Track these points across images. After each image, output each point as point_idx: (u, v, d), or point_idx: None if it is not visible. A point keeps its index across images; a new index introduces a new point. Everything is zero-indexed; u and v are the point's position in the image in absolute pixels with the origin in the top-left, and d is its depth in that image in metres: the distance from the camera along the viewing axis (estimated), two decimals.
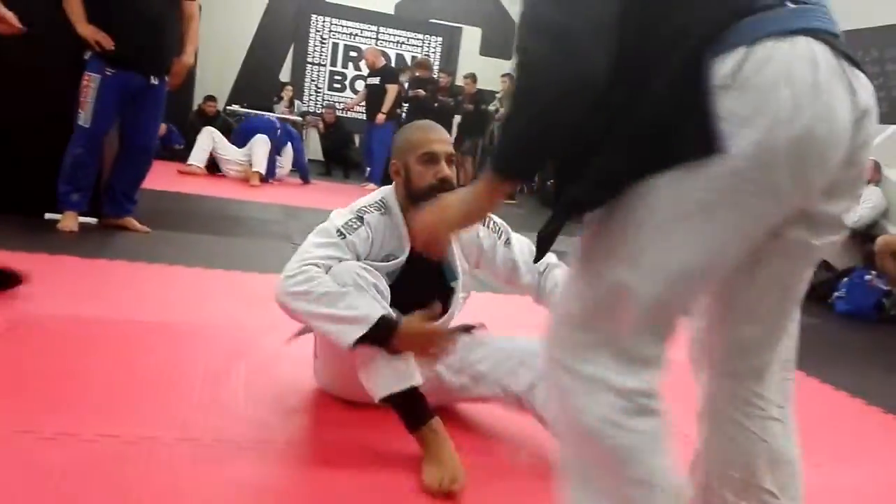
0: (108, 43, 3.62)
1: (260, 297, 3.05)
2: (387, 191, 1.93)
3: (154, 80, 3.83)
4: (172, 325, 2.52)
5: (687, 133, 0.93)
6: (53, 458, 1.52)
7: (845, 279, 4.71)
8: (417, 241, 1.23)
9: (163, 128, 8.10)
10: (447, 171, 1.83)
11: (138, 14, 3.66)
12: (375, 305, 1.68)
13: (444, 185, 1.80)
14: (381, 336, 1.65)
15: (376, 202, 1.89)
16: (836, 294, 4.70)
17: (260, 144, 7.53)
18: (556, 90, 0.94)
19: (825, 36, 0.97)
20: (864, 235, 5.20)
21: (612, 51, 0.94)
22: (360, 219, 1.83)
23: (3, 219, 3.72)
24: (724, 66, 0.92)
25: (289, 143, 7.95)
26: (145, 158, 4.02)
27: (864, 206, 5.25)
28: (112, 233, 3.89)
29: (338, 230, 1.80)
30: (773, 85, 0.92)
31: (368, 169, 8.48)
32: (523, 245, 2.01)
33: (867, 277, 4.62)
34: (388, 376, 1.68)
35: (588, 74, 0.94)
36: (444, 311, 1.89)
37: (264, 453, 1.69)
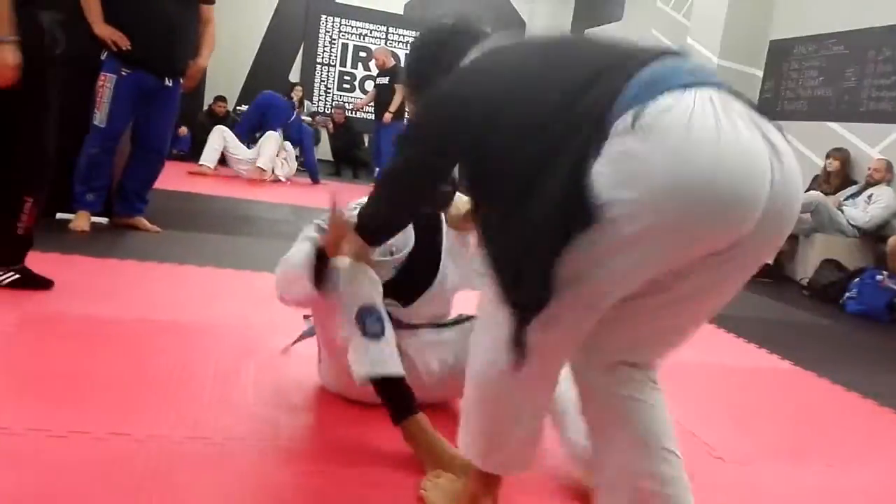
0: (125, 42, 3.65)
1: (269, 297, 3.04)
2: None
3: (168, 82, 3.86)
4: (182, 325, 2.53)
5: (582, 208, 1.03)
6: (64, 455, 1.53)
7: (857, 279, 4.68)
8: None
9: (183, 130, 8.14)
10: None
11: (154, 16, 3.69)
12: (301, 248, 1.75)
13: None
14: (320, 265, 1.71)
15: None
16: (847, 294, 4.67)
17: (270, 142, 7.55)
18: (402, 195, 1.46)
19: (720, 88, 1.05)
20: (876, 236, 5.16)
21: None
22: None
23: None
24: (625, 119, 1.01)
25: (294, 141, 7.99)
26: (158, 159, 4.05)
27: (875, 207, 5.21)
28: (123, 232, 3.92)
29: (317, 225, 1.85)
30: (673, 129, 0.99)
31: (378, 169, 8.49)
32: None
33: (878, 278, 4.58)
34: (370, 361, 1.67)
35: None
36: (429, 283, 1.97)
37: (272, 451, 1.69)
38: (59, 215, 3.90)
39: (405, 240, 1.91)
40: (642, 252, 1.04)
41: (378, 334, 1.68)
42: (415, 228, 1.94)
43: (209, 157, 7.53)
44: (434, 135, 1.31)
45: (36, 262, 2.69)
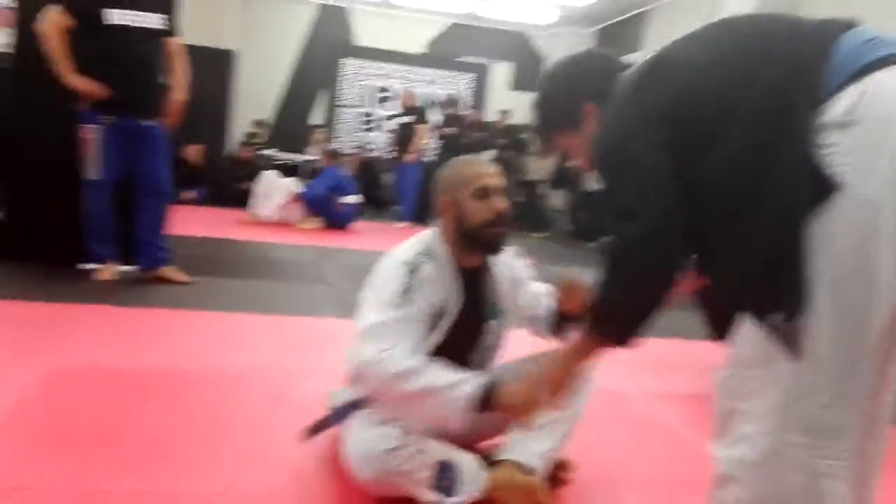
0: (102, 91, 3.56)
1: (300, 341, 3.03)
2: (428, 237, 1.82)
3: (147, 123, 3.76)
4: (212, 373, 2.49)
5: (813, 186, 1.00)
6: None
7: None
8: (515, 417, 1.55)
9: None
10: (502, 204, 1.76)
11: (122, 58, 3.61)
12: (460, 373, 1.60)
13: (500, 220, 1.74)
14: (485, 399, 1.55)
15: (422, 249, 1.76)
16: None
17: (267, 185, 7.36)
18: (646, 278, 1.19)
19: None
20: None
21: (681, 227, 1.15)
22: (415, 272, 1.70)
23: (41, 270, 3.75)
24: (836, 108, 1.00)
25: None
26: (161, 200, 3.91)
27: None
28: (150, 282, 3.90)
29: (395, 305, 1.65)
30: (893, 115, 0.98)
31: (400, 207, 8.50)
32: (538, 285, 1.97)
33: None
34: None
35: (671, 263, 1.18)
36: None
37: None
38: (81, 265, 3.88)
39: (452, 296, 1.76)
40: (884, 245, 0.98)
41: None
42: (463, 282, 1.80)
43: (266, 207, 7.30)
44: (651, 171, 1.14)
45: (63, 313, 2.68)
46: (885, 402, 1.17)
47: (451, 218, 1.78)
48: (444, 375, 1.58)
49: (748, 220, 1.07)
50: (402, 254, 1.77)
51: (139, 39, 3.68)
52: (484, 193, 1.75)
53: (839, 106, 1.00)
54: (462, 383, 1.56)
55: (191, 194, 8.19)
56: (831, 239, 1.00)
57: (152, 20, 3.72)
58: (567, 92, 1.40)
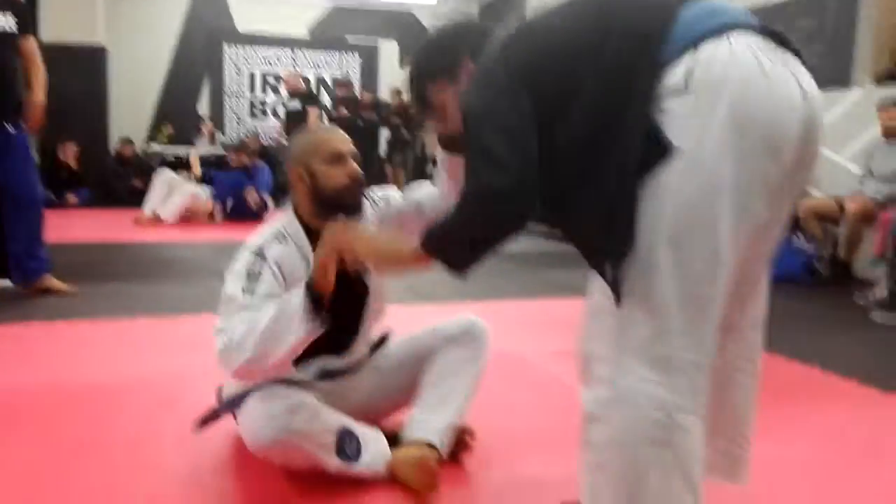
0: None
1: (192, 341, 2.93)
2: (280, 218, 1.82)
3: (10, 129, 3.57)
4: (95, 385, 2.38)
5: (650, 147, 1.07)
6: None
7: None
8: (325, 247, 1.51)
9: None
10: (357, 168, 1.76)
11: None
12: (266, 311, 1.60)
13: (357, 184, 1.74)
14: (315, 301, 1.56)
15: (273, 232, 1.77)
16: None
17: (158, 185, 7.09)
18: (496, 219, 1.20)
19: (750, 27, 1.10)
20: None
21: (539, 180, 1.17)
22: (262, 257, 1.70)
23: None
24: (674, 75, 1.07)
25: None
26: (31, 208, 3.70)
27: None
28: (28, 295, 3.69)
29: (243, 289, 1.66)
30: (723, 80, 1.05)
31: None
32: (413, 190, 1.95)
33: (794, 241, 4.74)
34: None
35: (522, 214, 1.19)
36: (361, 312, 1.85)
37: None
38: None
39: (309, 270, 1.72)
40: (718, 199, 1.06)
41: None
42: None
43: (165, 207, 6.97)
44: (515, 117, 1.17)
45: None
46: (749, 339, 1.31)
47: (305, 186, 1.76)
48: (270, 309, 1.59)
49: (593, 178, 1.13)
50: (250, 242, 1.77)
51: None
52: (337, 157, 1.74)
53: (676, 73, 1.07)
54: (288, 300, 1.58)
55: (73, 198, 7.81)
56: (669, 196, 1.07)
57: (1, 22, 3.49)
58: (450, 42, 1.44)
